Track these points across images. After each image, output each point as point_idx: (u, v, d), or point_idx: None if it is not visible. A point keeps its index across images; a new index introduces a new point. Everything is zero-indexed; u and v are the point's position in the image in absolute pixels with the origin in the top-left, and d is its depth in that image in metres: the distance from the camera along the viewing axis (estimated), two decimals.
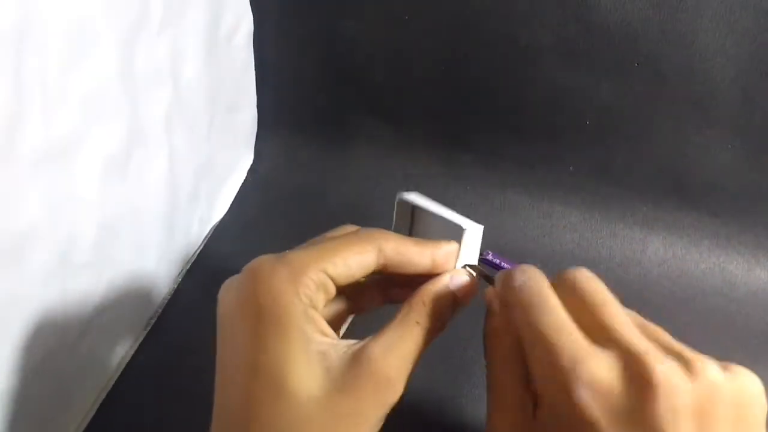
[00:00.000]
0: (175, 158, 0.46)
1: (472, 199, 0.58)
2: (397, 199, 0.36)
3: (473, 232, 0.32)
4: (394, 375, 0.27)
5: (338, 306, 0.33)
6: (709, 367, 0.25)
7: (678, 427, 0.23)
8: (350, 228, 0.32)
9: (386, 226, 0.41)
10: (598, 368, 0.24)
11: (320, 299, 0.28)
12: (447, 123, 0.58)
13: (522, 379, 0.28)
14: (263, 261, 0.28)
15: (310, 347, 0.26)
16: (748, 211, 0.53)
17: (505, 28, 0.51)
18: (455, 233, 0.32)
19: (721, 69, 0.48)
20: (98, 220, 0.38)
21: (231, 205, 0.59)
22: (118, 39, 0.36)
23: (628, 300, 0.52)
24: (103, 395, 0.44)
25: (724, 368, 0.25)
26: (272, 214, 0.59)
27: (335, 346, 0.27)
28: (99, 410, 0.43)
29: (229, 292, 0.29)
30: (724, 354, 0.50)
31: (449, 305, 0.30)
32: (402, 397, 0.27)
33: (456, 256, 0.32)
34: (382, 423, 0.27)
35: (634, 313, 0.28)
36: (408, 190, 0.59)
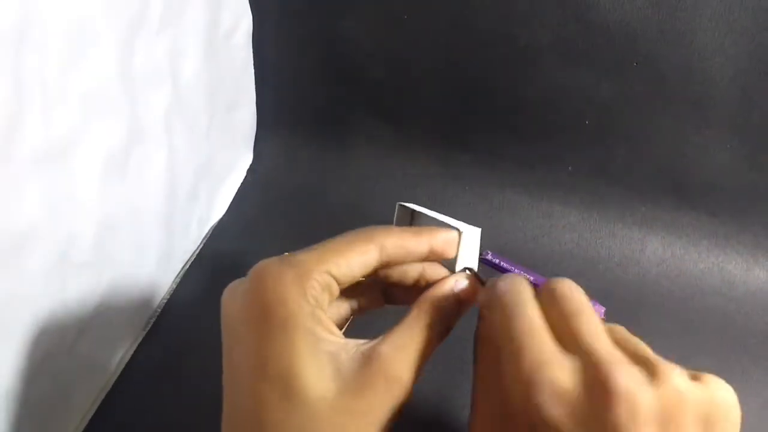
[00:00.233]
0: (175, 158, 0.46)
1: (471, 199, 0.58)
2: (397, 205, 0.37)
3: (470, 234, 0.33)
4: (404, 375, 0.27)
5: (340, 307, 0.33)
6: (674, 375, 0.24)
7: None
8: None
9: (384, 224, 0.41)
10: (559, 373, 0.24)
11: (326, 300, 0.29)
12: (446, 123, 0.58)
13: (502, 383, 0.28)
14: (268, 264, 0.28)
15: (319, 348, 0.26)
16: (747, 211, 0.53)
17: (504, 27, 0.51)
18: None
19: (720, 68, 0.48)
20: (97, 219, 0.38)
21: (230, 204, 0.59)
22: (117, 38, 0.36)
23: (626, 299, 0.52)
24: (103, 395, 0.44)
25: (696, 378, 0.25)
26: (271, 214, 0.59)
27: (344, 346, 0.27)
28: (98, 410, 0.43)
29: (233, 296, 0.29)
30: (722, 353, 0.50)
31: (454, 308, 0.30)
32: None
33: (455, 244, 0.32)
34: (392, 424, 0.27)
35: (619, 327, 0.28)
36: (407, 189, 0.60)
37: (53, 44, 0.31)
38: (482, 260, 0.54)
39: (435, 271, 0.33)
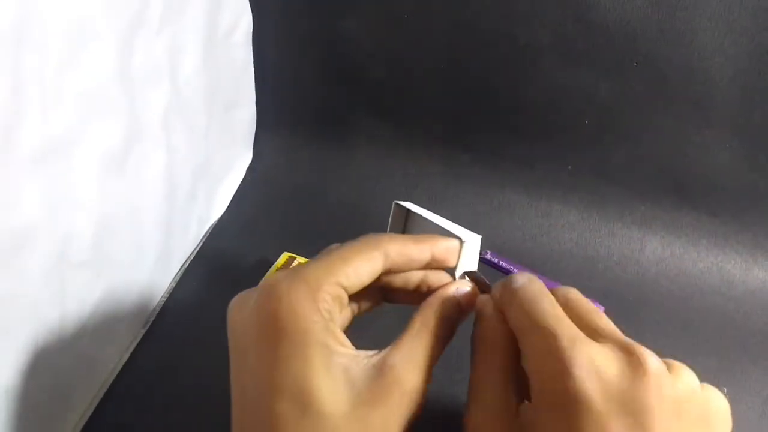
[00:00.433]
0: (174, 157, 0.46)
1: (471, 198, 0.58)
2: (393, 205, 0.37)
3: (472, 242, 0.33)
4: (417, 385, 0.27)
5: (343, 312, 0.33)
6: (687, 373, 0.27)
7: (662, 415, 0.24)
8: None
9: (384, 224, 0.41)
10: (595, 351, 0.26)
11: (337, 311, 0.29)
12: (446, 122, 0.58)
13: (506, 380, 0.28)
14: (279, 279, 0.28)
15: (332, 362, 0.27)
16: (747, 211, 0.53)
17: (504, 27, 0.51)
18: None
19: (720, 68, 0.48)
20: (96, 219, 0.38)
21: (229, 203, 0.59)
22: (117, 38, 0.36)
23: (625, 299, 0.52)
24: (102, 394, 0.44)
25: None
26: (271, 213, 0.59)
27: (355, 358, 0.27)
28: (97, 409, 0.43)
29: (241, 311, 0.29)
30: (721, 353, 0.50)
31: (457, 313, 0.31)
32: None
33: (457, 253, 0.33)
34: (410, 426, 0.27)
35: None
36: (407, 188, 0.60)
37: (52, 44, 0.31)
38: (482, 260, 0.54)
39: (437, 276, 0.33)
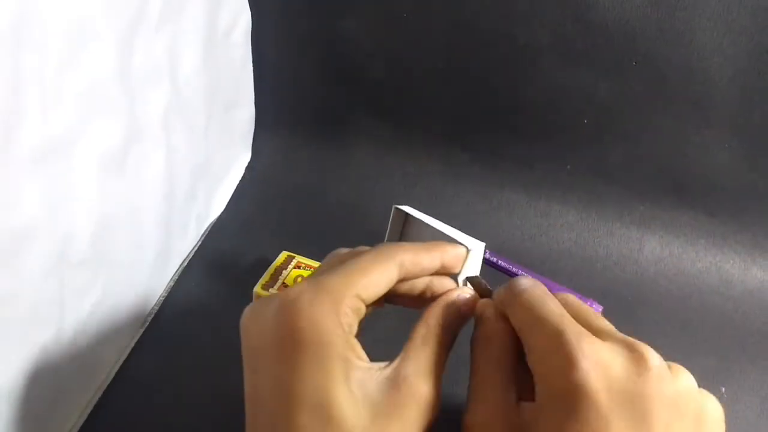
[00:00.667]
0: (173, 156, 0.46)
1: (470, 198, 0.58)
2: (393, 208, 0.38)
3: (477, 250, 0.34)
4: (432, 394, 0.28)
5: None
6: (686, 374, 0.27)
7: (662, 411, 0.25)
8: (363, 248, 0.33)
9: (383, 224, 0.41)
10: (601, 347, 0.27)
11: (356, 324, 0.29)
12: (445, 122, 0.58)
13: (507, 380, 0.29)
14: (302, 291, 0.28)
15: (351, 375, 0.27)
16: (745, 211, 0.53)
17: (503, 27, 0.51)
18: None
19: (719, 68, 0.48)
20: (96, 218, 0.38)
21: (228, 203, 0.59)
22: (116, 37, 0.36)
23: (624, 298, 0.52)
24: (100, 393, 0.44)
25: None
26: (270, 213, 0.59)
27: (369, 371, 0.28)
28: (95, 408, 0.43)
29: (258, 323, 0.29)
30: (720, 352, 0.50)
31: (458, 319, 0.32)
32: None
33: (463, 260, 0.33)
34: None
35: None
36: (406, 188, 0.60)
37: (52, 43, 0.31)
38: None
39: (441, 282, 0.34)
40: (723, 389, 0.46)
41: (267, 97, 0.60)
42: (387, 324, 0.39)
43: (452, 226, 0.36)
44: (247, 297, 0.45)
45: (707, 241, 0.55)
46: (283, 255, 0.48)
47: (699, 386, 0.27)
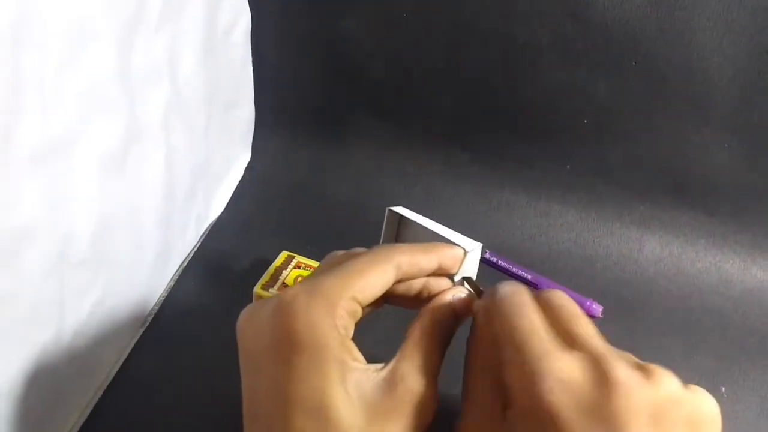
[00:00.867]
0: (173, 156, 0.46)
1: (469, 198, 0.58)
2: (387, 210, 0.38)
3: (475, 251, 0.34)
4: (428, 393, 0.28)
5: None
6: (668, 379, 0.26)
7: (634, 426, 0.24)
8: (359, 250, 0.33)
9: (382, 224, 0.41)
10: (564, 363, 0.26)
11: (351, 327, 0.29)
12: (445, 122, 0.58)
13: (494, 386, 0.29)
14: (297, 294, 0.28)
15: (347, 377, 0.27)
16: (745, 211, 0.53)
17: (503, 27, 0.51)
18: None
19: (719, 68, 0.48)
20: (95, 218, 0.38)
21: (228, 202, 0.59)
22: (116, 37, 0.36)
23: (624, 298, 0.52)
24: (100, 393, 0.44)
25: (684, 385, 0.27)
26: (269, 212, 0.59)
27: (366, 372, 0.28)
28: (95, 408, 0.43)
29: (254, 325, 0.29)
30: (720, 352, 0.50)
31: (453, 319, 0.32)
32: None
33: (460, 261, 0.33)
34: None
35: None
36: (406, 188, 0.60)
37: (52, 43, 0.31)
38: (481, 259, 0.54)
39: (437, 283, 0.33)
40: (723, 389, 0.46)
41: (267, 98, 0.60)
42: (387, 324, 0.39)
43: (452, 226, 0.36)
44: (247, 297, 0.45)
45: (707, 241, 0.55)
46: (283, 255, 0.48)
47: (699, 385, 0.27)
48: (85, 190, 0.37)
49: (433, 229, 0.35)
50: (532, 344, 0.27)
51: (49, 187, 0.33)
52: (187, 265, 0.53)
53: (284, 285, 0.46)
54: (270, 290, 0.45)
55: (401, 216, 0.39)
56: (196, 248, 0.54)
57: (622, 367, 0.25)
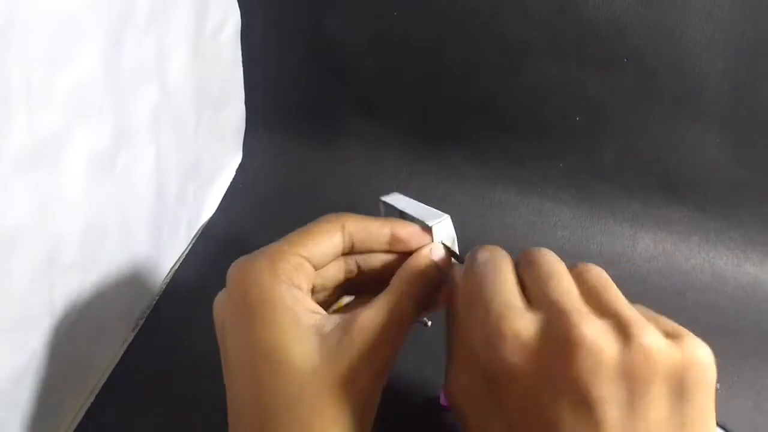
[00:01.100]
0: (162, 157, 0.46)
1: (462, 197, 0.58)
2: (380, 201, 0.38)
3: (440, 225, 0.34)
4: (383, 340, 0.28)
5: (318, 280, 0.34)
6: (646, 333, 0.24)
7: (601, 388, 0.23)
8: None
9: None
10: (522, 323, 0.25)
11: (301, 279, 0.30)
12: (437, 121, 0.58)
13: (470, 351, 0.29)
14: (241, 259, 0.31)
15: (300, 323, 0.28)
16: (737, 207, 0.54)
17: (494, 24, 0.51)
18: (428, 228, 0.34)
19: (710, 64, 0.48)
20: (85, 220, 0.38)
21: (220, 203, 0.58)
22: (104, 37, 0.36)
23: None
24: (92, 397, 0.43)
25: (672, 335, 0.25)
26: (262, 214, 0.58)
27: (327, 319, 0.29)
28: (88, 412, 0.43)
29: (219, 299, 0.31)
30: (713, 348, 0.50)
31: (433, 275, 0.32)
32: (393, 367, 0.30)
33: (419, 236, 0.33)
34: (379, 387, 0.29)
35: (598, 275, 0.28)
36: (398, 187, 0.60)
37: (39, 44, 0.31)
38: None
39: (417, 242, 0.34)
40: (717, 385, 0.46)
41: (257, 98, 0.60)
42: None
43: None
44: None
45: (700, 237, 0.55)
46: None
47: None
48: (73, 192, 0.36)
49: (413, 214, 0.35)
50: (495, 303, 0.26)
51: (37, 189, 0.33)
52: (179, 267, 0.52)
53: None
54: None
55: (393, 208, 0.38)
56: (188, 250, 0.54)
57: (587, 324, 0.24)
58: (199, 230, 0.56)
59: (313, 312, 0.29)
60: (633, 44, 0.49)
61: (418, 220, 0.34)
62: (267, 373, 0.28)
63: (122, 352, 0.46)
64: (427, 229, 0.33)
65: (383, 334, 0.28)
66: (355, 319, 0.29)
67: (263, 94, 0.60)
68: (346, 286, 0.35)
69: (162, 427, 0.42)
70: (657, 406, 0.24)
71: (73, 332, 0.39)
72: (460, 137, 0.58)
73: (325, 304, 0.35)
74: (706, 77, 0.49)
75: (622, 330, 0.24)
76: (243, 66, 0.58)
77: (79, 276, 0.39)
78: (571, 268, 0.29)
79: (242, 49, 0.57)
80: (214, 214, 0.58)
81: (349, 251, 0.33)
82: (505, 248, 0.54)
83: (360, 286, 0.35)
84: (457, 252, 0.34)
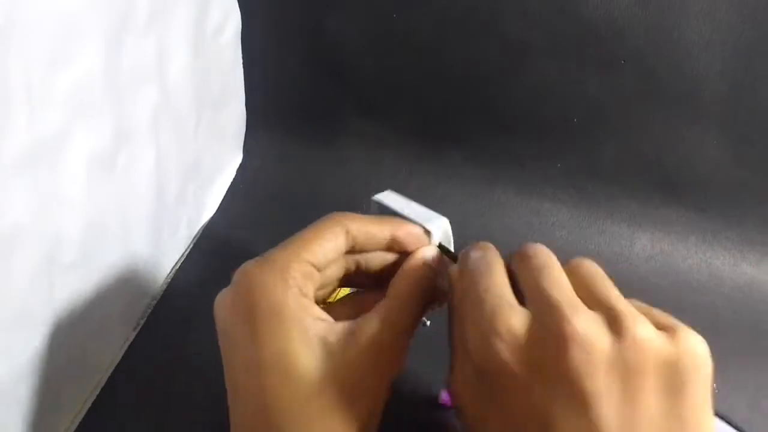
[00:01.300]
0: (163, 158, 0.46)
1: (461, 197, 0.58)
2: (372, 200, 0.38)
3: (439, 229, 0.34)
4: (388, 345, 0.29)
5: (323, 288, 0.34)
6: (639, 326, 0.24)
7: (596, 381, 0.23)
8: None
9: None
10: (514, 320, 0.25)
11: (309, 287, 0.30)
12: (436, 121, 0.58)
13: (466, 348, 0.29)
14: (250, 264, 0.30)
15: (308, 332, 0.28)
16: (735, 207, 0.54)
17: (493, 24, 0.51)
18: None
19: (708, 65, 0.48)
20: (85, 220, 0.38)
21: (220, 204, 0.59)
22: (104, 37, 0.36)
23: None
24: (93, 396, 0.43)
25: (665, 328, 0.25)
26: (262, 213, 0.58)
27: (332, 327, 0.29)
28: (89, 411, 0.43)
29: (223, 302, 0.30)
30: (711, 348, 0.50)
31: (430, 278, 0.32)
32: (401, 371, 0.30)
33: (419, 238, 0.34)
34: (386, 394, 0.29)
35: (590, 268, 0.28)
36: (398, 187, 0.59)
37: (39, 44, 0.31)
38: None
39: (412, 243, 0.34)
40: (714, 385, 0.46)
41: (258, 98, 0.60)
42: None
43: None
44: None
45: (697, 237, 0.55)
46: None
47: None
48: (74, 192, 0.36)
49: (410, 216, 0.35)
50: (488, 302, 0.27)
51: (37, 189, 0.33)
52: (179, 267, 0.52)
53: None
54: None
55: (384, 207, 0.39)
56: (188, 250, 0.54)
57: (578, 318, 0.24)
58: (199, 230, 0.56)
59: (320, 319, 0.29)
60: (632, 45, 0.49)
61: (414, 221, 0.35)
62: (273, 382, 0.28)
63: (123, 352, 0.46)
64: (425, 231, 0.34)
65: (387, 342, 0.29)
66: (359, 328, 0.29)
67: (263, 94, 0.60)
68: (344, 281, 0.35)
69: (162, 427, 0.42)
70: (651, 397, 0.24)
71: (73, 332, 0.39)
72: (459, 137, 0.58)
73: (325, 297, 0.35)
74: (705, 78, 0.49)
75: (614, 322, 0.24)
76: (243, 66, 0.58)
77: (80, 276, 0.39)
78: (565, 263, 0.29)
79: (242, 50, 0.57)
80: (214, 214, 0.58)
81: (350, 251, 0.33)
82: (504, 248, 0.54)
83: (357, 280, 0.35)
84: (453, 251, 0.34)
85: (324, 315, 0.30)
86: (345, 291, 0.39)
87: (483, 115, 0.56)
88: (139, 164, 0.43)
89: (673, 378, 0.24)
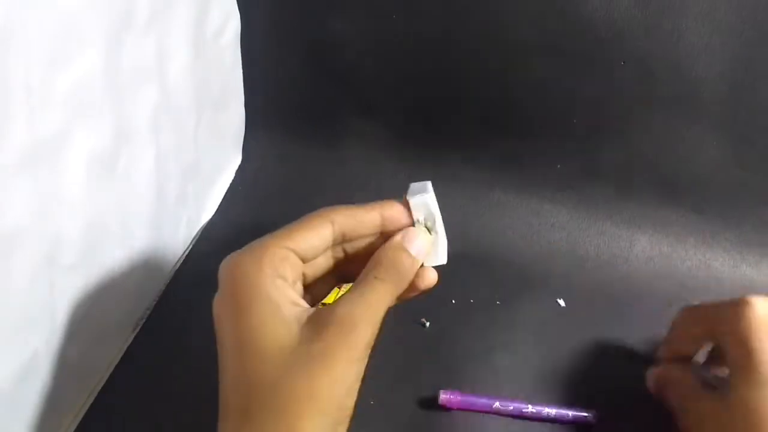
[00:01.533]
0: (162, 158, 0.46)
1: (460, 199, 0.58)
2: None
3: (418, 201, 0.35)
4: (357, 320, 0.30)
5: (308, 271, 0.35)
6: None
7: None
8: None
9: None
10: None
11: (287, 270, 0.32)
12: (435, 121, 0.58)
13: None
14: (231, 254, 0.32)
15: (281, 311, 0.30)
16: (734, 208, 0.54)
17: (492, 26, 0.51)
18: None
19: (708, 66, 0.48)
20: (85, 221, 0.38)
21: (219, 205, 0.59)
22: (104, 38, 0.36)
23: (615, 297, 0.52)
24: (92, 398, 0.44)
25: None
26: (261, 214, 0.58)
27: (307, 310, 0.31)
28: (89, 411, 0.43)
29: (216, 296, 0.32)
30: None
31: (406, 260, 0.34)
32: (374, 349, 0.31)
33: (401, 215, 0.35)
34: (357, 372, 0.30)
35: None
36: (397, 189, 0.59)
37: (39, 44, 0.31)
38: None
39: (394, 224, 0.35)
40: None
41: (258, 99, 0.60)
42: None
43: (443, 225, 0.37)
44: None
45: (696, 239, 0.55)
46: None
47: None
48: (74, 193, 0.36)
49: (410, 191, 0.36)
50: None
51: (37, 189, 0.33)
52: (178, 268, 0.52)
53: None
54: None
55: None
56: (187, 251, 0.54)
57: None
58: (199, 231, 0.56)
59: (295, 304, 0.31)
60: (632, 46, 0.49)
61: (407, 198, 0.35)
62: (249, 358, 0.29)
63: (122, 353, 0.46)
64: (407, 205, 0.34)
65: (356, 315, 0.30)
66: (331, 309, 0.30)
67: (263, 95, 0.60)
68: (338, 273, 0.36)
69: (162, 427, 0.42)
70: None
71: (73, 332, 0.39)
72: (459, 138, 0.58)
73: (322, 294, 0.37)
74: (704, 79, 0.49)
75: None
76: (243, 67, 0.58)
77: (80, 276, 0.39)
78: None
79: (242, 50, 0.57)
80: (214, 214, 0.58)
81: (341, 241, 0.34)
82: (504, 250, 0.55)
83: (351, 269, 0.35)
84: (437, 228, 0.35)
85: (299, 300, 0.32)
86: (344, 291, 0.39)
87: (483, 116, 0.56)
88: (139, 164, 0.43)
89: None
